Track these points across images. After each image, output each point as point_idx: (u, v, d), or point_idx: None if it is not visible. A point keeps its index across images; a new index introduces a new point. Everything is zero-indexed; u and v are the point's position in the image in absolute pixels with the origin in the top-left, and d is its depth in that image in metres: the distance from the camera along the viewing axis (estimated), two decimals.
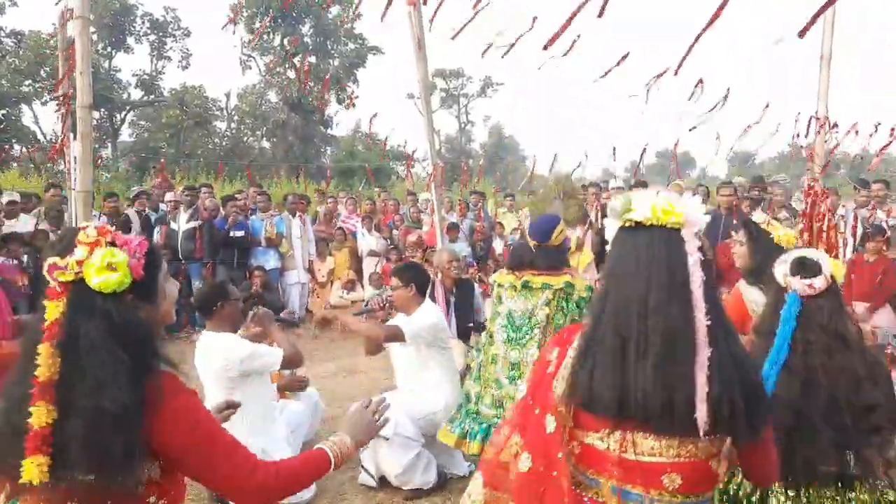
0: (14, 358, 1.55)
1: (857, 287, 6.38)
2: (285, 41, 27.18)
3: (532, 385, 1.70)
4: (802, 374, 2.22)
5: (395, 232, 10.84)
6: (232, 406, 2.28)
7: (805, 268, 2.30)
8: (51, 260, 1.50)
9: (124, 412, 1.42)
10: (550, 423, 1.58)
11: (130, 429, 1.43)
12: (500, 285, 3.78)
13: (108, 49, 27.44)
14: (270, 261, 9.26)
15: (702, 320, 1.44)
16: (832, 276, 2.29)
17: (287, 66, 26.19)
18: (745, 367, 1.50)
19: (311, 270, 10.00)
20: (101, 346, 1.45)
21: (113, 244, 1.53)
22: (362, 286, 10.02)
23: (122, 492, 1.48)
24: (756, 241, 3.25)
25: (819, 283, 2.25)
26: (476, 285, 6.87)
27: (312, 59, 27.38)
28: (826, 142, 4.76)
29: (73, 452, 1.41)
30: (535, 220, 4.03)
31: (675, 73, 2.66)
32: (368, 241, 10.32)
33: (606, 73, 4.23)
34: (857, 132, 4.75)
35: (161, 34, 28.40)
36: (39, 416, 1.41)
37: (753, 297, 3.12)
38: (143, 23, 28.03)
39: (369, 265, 10.16)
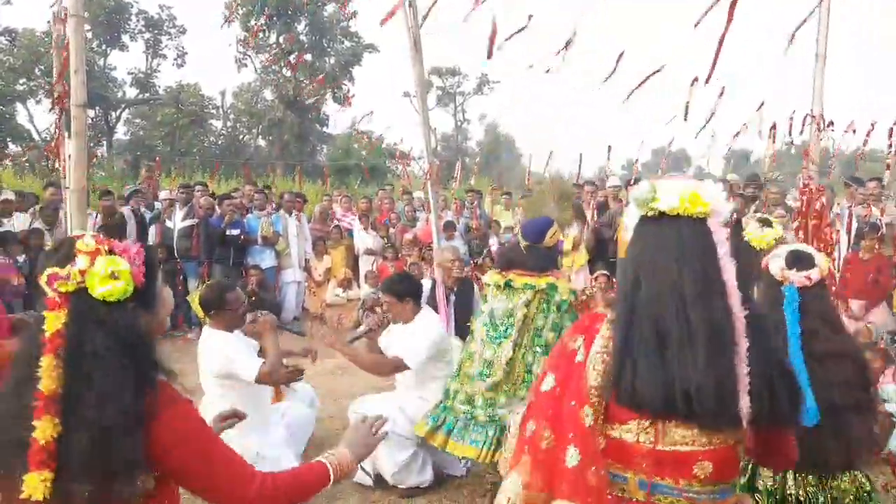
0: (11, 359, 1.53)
1: (852, 285, 6.41)
2: (281, 39, 27.12)
3: (560, 375, 1.62)
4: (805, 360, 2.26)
5: (391, 230, 10.83)
6: (237, 416, 2.26)
7: (801, 261, 2.36)
8: (50, 270, 1.46)
9: (129, 424, 1.41)
10: (588, 417, 1.53)
11: (134, 440, 1.42)
12: (488, 285, 3.81)
13: (103, 47, 27.33)
14: (267, 259, 9.24)
15: (739, 312, 1.44)
16: (822, 276, 2.37)
17: (283, 64, 26.15)
18: (780, 357, 1.49)
19: (307, 269, 9.99)
20: (106, 356, 1.44)
21: (112, 252, 1.51)
22: (359, 285, 10.01)
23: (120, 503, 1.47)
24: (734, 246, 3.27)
25: (815, 274, 2.32)
26: (475, 284, 6.85)
27: (308, 56, 27.32)
28: (821, 140, 4.77)
29: (75, 465, 1.39)
30: (529, 221, 4.02)
31: (706, 82, 2.66)
32: (365, 240, 10.31)
33: (607, 78, 4.25)
34: (854, 131, 4.77)
35: (156, 32, 28.29)
36: (45, 430, 1.38)
37: None
38: (137, 20, 27.91)
39: (366, 263, 10.15)
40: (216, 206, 9.13)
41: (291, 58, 25.65)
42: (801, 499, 2.31)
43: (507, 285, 3.66)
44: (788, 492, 2.33)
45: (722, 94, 4.52)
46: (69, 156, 4.57)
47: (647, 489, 1.50)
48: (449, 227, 9.74)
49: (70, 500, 1.43)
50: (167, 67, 40.93)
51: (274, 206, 10.03)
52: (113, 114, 28.25)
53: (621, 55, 4.28)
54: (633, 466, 1.52)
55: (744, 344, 1.43)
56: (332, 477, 1.73)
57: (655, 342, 1.44)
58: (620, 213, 8.84)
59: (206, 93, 28.92)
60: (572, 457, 1.52)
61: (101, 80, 25.47)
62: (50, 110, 4.63)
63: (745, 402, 1.41)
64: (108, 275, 1.46)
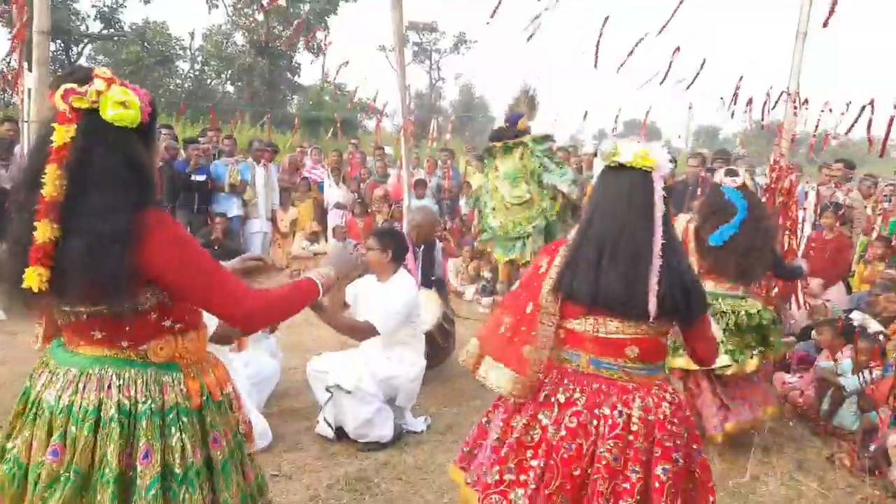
0: None
1: (814, 263, 6.53)
2: None
3: (524, 281, 2.27)
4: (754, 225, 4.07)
5: (362, 185, 10.70)
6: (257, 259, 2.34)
7: (731, 173, 4.24)
8: (67, 85, 1.57)
9: (119, 237, 1.54)
10: (529, 307, 2.14)
11: (122, 253, 1.54)
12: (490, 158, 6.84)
13: None
14: (233, 208, 9.05)
15: (658, 240, 1.98)
16: (744, 182, 4.20)
17: (255, 7, 25.30)
18: (685, 275, 2.06)
19: (273, 220, 9.83)
20: (110, 173, 1.57)
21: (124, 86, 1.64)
22: (326, 239, 9.91)
23: (136, 316, 1.66)
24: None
25: (738, 180, 4.18)
26: (439, 244, 6.90)
27: (282, 1, 26.45)
28: (796, 117, 4.82)
29: (70, 270, 1.54)
30: (510, 114, 6.75)
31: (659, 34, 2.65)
32: (335, 193, 10.17)
33: (596, 51, 4.19)
34: (830, 110, 4.83)
35: None
36: (43, 231, 1.52)
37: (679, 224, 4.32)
38: None
39: (334, 218, 10.03)
40: (181, 150, 8.86)
41: (264, 0, 24.82)
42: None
43: (505, 149, 6.60)
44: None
45: (703, 64, 4.51)
46: (30, 89, 4.37)
47: (594, 364, 2.09)
48: (420, 186, 9.66)
49: (93, 317, 1.65)
50: (133, 3, 39.22)
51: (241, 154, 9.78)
52: (75, 49, 27.10)
53: (606, 19, 4.22)
54: (583, 348, 2.11)
55: (657, 262, 1.97)
56: (320, 290, 1.94)
57: (594, 258, 2.02)
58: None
59: (173, 32, 27.93)
60: (503, 326, 2.21)
61: (62, 11, 24.33)
62: (8, 39, 4.39)
63: (652, 302, 1.96)
64: (121, 101, 1.59)
